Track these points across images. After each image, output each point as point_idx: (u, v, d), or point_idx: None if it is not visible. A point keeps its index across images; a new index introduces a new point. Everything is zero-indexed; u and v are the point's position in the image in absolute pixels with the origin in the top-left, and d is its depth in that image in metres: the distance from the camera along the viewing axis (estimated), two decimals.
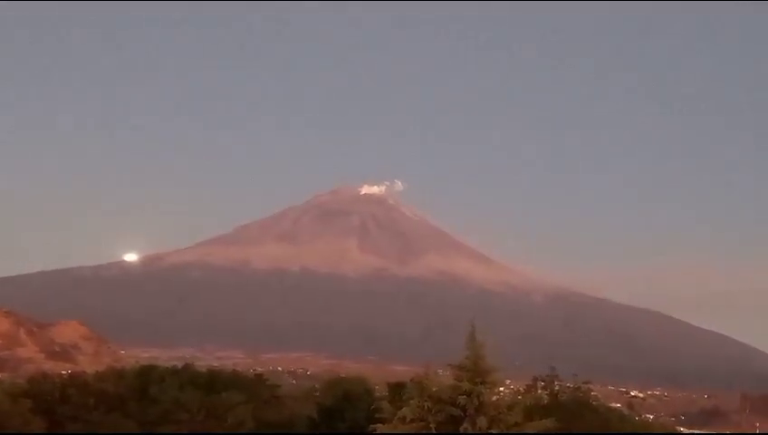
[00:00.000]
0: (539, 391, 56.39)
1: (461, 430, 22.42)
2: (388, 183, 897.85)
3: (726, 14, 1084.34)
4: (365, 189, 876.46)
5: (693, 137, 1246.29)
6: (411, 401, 23.24)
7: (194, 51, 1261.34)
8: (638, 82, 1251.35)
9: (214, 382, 75.58)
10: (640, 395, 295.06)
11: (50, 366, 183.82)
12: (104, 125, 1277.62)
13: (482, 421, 22.41)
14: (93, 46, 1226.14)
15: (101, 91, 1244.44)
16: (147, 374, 76.28)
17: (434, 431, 22.60)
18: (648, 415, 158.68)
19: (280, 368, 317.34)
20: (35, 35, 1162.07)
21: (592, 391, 60.28)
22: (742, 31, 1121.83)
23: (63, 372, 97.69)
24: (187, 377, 75.98)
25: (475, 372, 23.22)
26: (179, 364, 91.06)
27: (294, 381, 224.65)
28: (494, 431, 22.47)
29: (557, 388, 56.66)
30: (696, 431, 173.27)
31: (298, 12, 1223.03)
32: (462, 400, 22.69)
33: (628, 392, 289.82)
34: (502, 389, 28.91)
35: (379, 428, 23.66)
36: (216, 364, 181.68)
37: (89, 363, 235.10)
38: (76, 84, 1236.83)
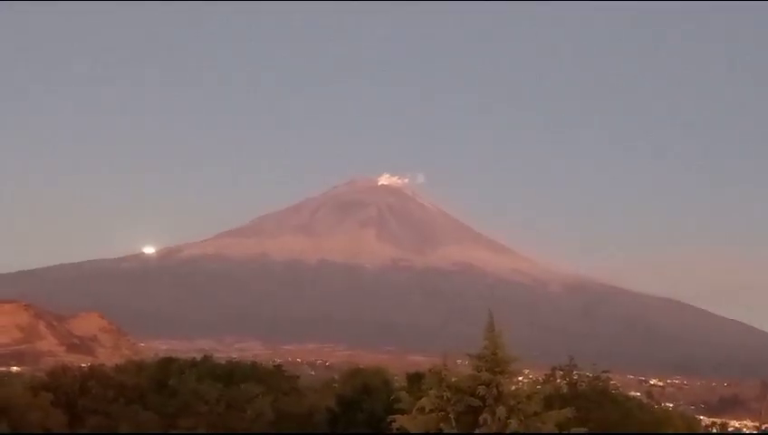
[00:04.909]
0: (558, 381, 56.23)
1: (480, 419, 22.40)
2: (410, 175, 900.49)
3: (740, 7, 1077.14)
4: (382, 180, 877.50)
5: (711, 124, 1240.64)
6: (430, 392, 23.21)
7: (209, 40, 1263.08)
8: (654, 72, 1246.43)
9: (233, 374, 75.86)
10: (660, 384, 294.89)
11: (69, 359, 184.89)
12: (122, 117, 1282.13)
13: (501, 411, 22.38)
14: (111, 38, 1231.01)
15: (117, 83, 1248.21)
16: (166, 366, 76.69)
17: (453, 422, 22.60)
18: (667, 404, 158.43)
19: (299, 359, 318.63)
20: (55, 33, 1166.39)
21: (611, 380, 60.08)
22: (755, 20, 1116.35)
23: (83, 364, 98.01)
24: (206, 369, 76.30)
25: (494, 361, 23.18)
26: (198, 356, 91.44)
27: (313, 373, 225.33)
28: (513, 421, 22.44)
29: (576, 377, 56.51)
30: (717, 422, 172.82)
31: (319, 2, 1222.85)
32: (481, 390, 22.66)
33: (647, 381, 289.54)
34: (521, 378, 28.85)
35: (398, 418, 23.65)
36: (234, 356, 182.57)
37: (108, 356, 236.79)
38: (89, 78, 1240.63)
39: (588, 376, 57.09)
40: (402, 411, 23.74)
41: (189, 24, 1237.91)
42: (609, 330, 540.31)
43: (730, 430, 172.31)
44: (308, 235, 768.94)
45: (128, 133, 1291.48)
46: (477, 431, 22.36)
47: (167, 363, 79.77)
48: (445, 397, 22.86)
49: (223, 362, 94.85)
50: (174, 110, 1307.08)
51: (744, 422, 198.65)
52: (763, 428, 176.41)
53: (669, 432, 60.11)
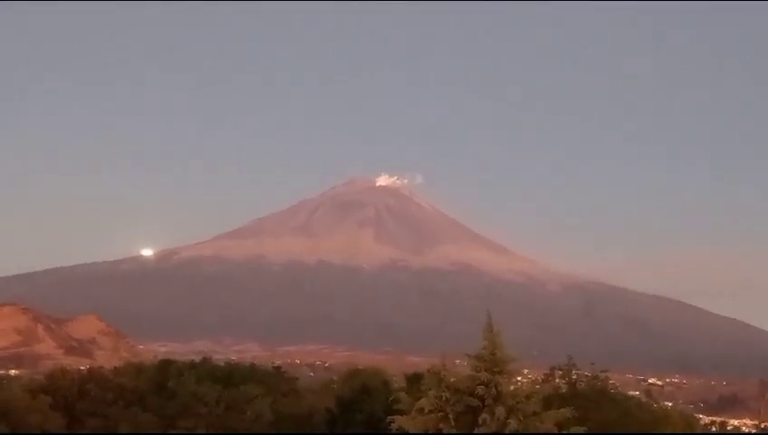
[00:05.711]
0: (557, 381, 56.31)
1: (479, 420, 22.40)
2: (408, 175, 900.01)
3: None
4: (380, 181, 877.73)
5: (712, 124, 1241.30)
6: (429, 392, 23.19)
7: (210, 40, 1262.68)
8: (654, 72, 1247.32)
9: (232, 376, 76.02)
10: (658, 383, 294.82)
11: (68, 362, 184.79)
12: (121, 117, 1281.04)
13: (500, 411, 22.37)
14: (111, 38, 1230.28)
15: (116, 83, 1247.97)
16: (165, 368, 76.80)
17: (452, 422, 22.59)
18: (666, 403, 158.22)
19: (297, 360, 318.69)
20: (55, 33, 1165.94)
21: (610, 379, 60.17)
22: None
23: (82, 367, 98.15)
24: (205, 371, 76.44)
25: (493, 361, 23.16)
26: (197, 358, 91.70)
27: (312, 374, 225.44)
28: (511, 421, 22.44)
29: (575, 377, 56.58)
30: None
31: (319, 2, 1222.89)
32: (480, 390, 22.65)
33: (646, 380, 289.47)
34: (519, 378, 28.85)
35: (397, 419, 23.64)
36: (233, 358, 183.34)
37: (107, 358, 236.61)
38: (89, 78, 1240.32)
39: (587, 375, 57.17)
40: (401, 412, 23.72)
41: (189, 24, 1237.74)
42: (608, 329, 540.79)
43: (729, 428, 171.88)
44: (306, 236, 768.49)
45: (126, 134, 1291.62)
46: (476, 431, 22.36)
47: (165, 365, 79.87)
48: (444, 397, 22.85)
49: (222, 363, 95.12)
50: (173, 110, 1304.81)
51: (744, 421, 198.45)
52: (763, 426, 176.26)
53: (668, 431, 60.11)
